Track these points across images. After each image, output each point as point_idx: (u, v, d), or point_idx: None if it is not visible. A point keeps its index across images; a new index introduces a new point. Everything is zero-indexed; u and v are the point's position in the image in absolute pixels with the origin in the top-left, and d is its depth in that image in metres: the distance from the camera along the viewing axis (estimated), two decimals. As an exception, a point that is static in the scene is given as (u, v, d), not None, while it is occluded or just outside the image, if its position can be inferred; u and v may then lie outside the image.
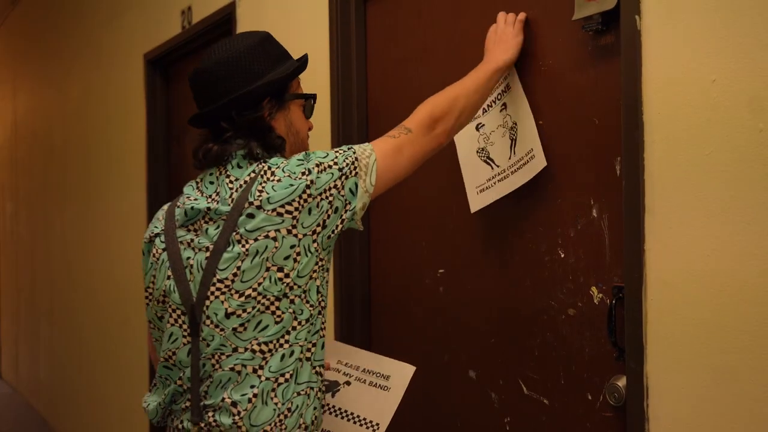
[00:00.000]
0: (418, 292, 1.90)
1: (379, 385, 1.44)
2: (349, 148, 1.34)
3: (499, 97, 1.62)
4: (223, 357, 1.29)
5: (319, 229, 1.28)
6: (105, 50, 4.02)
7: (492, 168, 1.63)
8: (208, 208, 1.32)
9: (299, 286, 1.28)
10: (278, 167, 1.30)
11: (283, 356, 1.28)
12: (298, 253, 1.27)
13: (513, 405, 1.63)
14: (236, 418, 1.27)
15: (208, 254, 1.30)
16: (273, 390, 1.28)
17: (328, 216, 1.29)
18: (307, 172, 1.28)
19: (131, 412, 3.66)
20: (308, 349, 1.31)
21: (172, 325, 1.34)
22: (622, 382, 1.35)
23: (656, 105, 1.26)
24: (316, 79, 2.13)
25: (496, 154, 1.62)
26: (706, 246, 1.19)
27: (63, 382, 4.93)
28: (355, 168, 1.31)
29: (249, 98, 1.35)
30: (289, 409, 1.29)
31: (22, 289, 6.05)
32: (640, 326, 1.28)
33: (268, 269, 1.26)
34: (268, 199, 1.26)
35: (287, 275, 1.27)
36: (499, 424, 1.66)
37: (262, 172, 1.30)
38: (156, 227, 1.41)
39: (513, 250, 1.63)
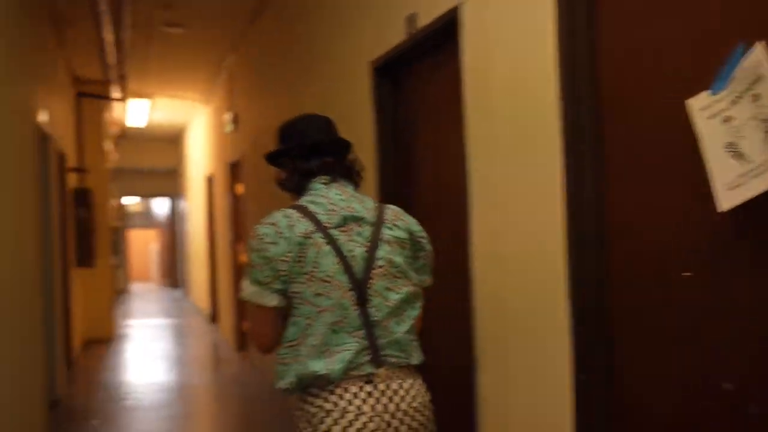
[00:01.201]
0: (664, 297, 1.81)
1: None
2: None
3: (749, 87, 1.50)
4: (391, 319, 1.90)
5: (413, 255, 2.02)
6: (334, 60, 4.27)
7: (744, 163, 1.51)
8: (360, 217, 1.93)
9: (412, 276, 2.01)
10: (402, 212, 2.07)
11: (417, 310, 1.99)
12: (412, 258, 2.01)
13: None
14: (403, 354, 1.91)
15: (364, 248, 1.90)
16: (413, 330, 1.97)
17: (416, 258, 2.03)
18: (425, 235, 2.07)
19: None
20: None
21: (341, 298, 1.86)
22: None
23: None
24: (538, 68, 2.10)
25: (749, 149, 1.50)
26: None
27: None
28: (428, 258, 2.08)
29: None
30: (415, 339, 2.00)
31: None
32: None
33: (406, 262, 1.97)
34: (408, 225, 2.01)
35: (413, 270, 2.01)
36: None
37: (390, 207, 2.04)
38: (305, 228, 1.88)
39: (771, 252, 1.49)
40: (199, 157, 11.81)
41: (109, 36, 6.19)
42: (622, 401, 1.98)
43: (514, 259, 2.38)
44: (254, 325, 1.99)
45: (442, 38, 2.88)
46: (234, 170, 8.46)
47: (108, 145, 10.30)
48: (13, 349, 3.96)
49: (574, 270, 2.05)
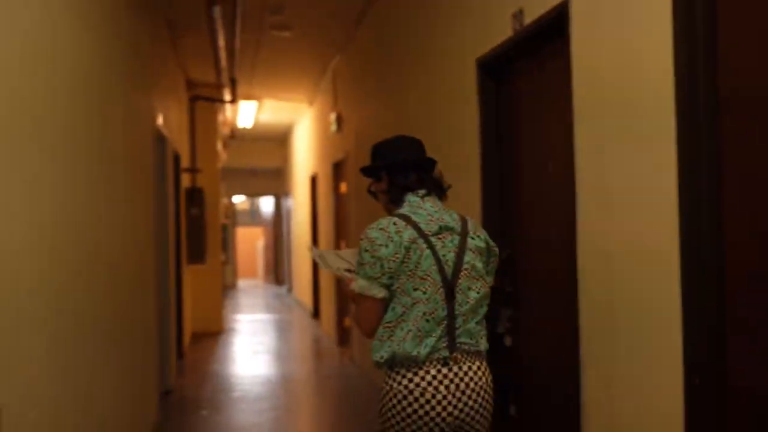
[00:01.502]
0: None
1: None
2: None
3: None
4: (470, 313, 2.29)
5: (487, 261, 2.41)
6: (438, 57, 4.28)
7: None
8: (451, 228, 2.30)
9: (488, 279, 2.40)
10: (478, 223, 2.46)
11: (486, 308, 2.37)
12: (486, 264, 2.40)
13: None
14: (473, 341, 2.29)
15: (454, 253, 2.28)
16: (483, 322, 2.35)
17: (488, 263, 2.41)
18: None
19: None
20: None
21: (434, 293, 2.23)
22: None
23: None
24: (652, 63, 2.04)
25: None
26: None
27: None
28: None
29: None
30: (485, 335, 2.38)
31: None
32: None
33: (483, 266, 2.36)
34: (486, 237, 2.40)
35: (486, 273, 2.38)
36: None
37: (470, 219, 2.41)
38: (410, 234, 2.24)
39: None
40: (304, 157, 12.10)
41: (221, 41, 6.44)
42: (736, 407, 1.89)
43: (623, 258, 2.32)
44: (362, 312, 2.31)
45: (549, 34, 2.84)
46: (338, 170, 8.63)
47: (218, 146, 10.71)
48: (134, 343, 4.19)
49: (688, 269, 1.98)
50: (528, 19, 2.93)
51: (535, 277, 3.19)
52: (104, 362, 3.29)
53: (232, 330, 10.58)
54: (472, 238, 2.32)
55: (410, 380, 2.21)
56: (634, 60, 2.24)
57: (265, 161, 16.78)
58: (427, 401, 2.20)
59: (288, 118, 12.69)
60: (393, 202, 2.39)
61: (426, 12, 4.55)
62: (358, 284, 2.26)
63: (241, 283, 20.67)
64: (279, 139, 15.55)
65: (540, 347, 3.15)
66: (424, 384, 2.20)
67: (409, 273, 2.22)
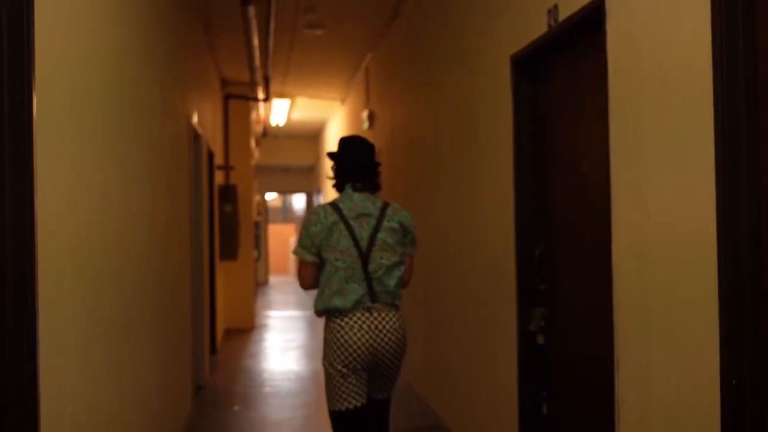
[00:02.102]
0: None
1: None
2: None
3: None
4: (385, 276, 3.13)
5: (403, 237, 3.24)
6: (472, 54, 4.27)
7: None
8: (369, 214, 3.15)
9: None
10: (399, 208, 3.27)
11: (401, 271, 3.21)
12: (402, 239, 3.23)
13: None
14: (390, 297, 3.16)
15: (368, 233, 3.12)
16: (399, 284, 3.21)
17: (405, 237, 3.25)
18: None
19: (500, 398, 3.84)
20: None
21: (353, 262, 3.08)
22: None
23: None
24: (690, 59, 2.02)
25: None
26: None
27: (437, 367, 5.36)
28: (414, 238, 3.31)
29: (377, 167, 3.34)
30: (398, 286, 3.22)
31: (399, 278, 6.71)
32: None
33: (396, 242, 3.18)
34: (400, 218, 3.21)
35: (401, 245, 3.22)
36: None
37: (392, 205, 3.25)
38: (334, 219, 3.10)
39: None
40: (336, 155, 12.13)
41: (255, 40, 6.50)
42: (778, 409, 1.86)
43: (659, 257, 2.29)
44: (300, 271, 3.22)
45: (584, 29, 2.82)
46: (369, 168, 8.63)
47: (251, 144, 10.79)
48: (171, 339, 4.25)
49: (726, 269, 1.95)
50: (563, 15, 2.91)
51: (568, 275, 3.17)
52: (146, 355, 3.35)
53: (263, 326, 10.66)
54: (388, 221, 3.16)
55: (342, 321, 3.08)
56: (671, 55, 2.21)
57: (297, 158, 16.89)
58: (354, 333, 3.06)
59: (320, 115, 12.75)
60: (335, 187, 3.28)
61: (459, 8, 4.54)
62: (296, 250, 3.17)
63: (273, 279, 20.81)
64: (311, 137, 15.63)
65: (573, 345, 3.13)
66: (351, 323, 3.06)
67: (331, 247, 3.09)
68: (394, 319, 3.13)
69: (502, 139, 3.70)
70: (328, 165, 11.38)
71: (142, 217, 3.28)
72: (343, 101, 10.71)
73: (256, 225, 14.46)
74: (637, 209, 2.43)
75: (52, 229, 1.95)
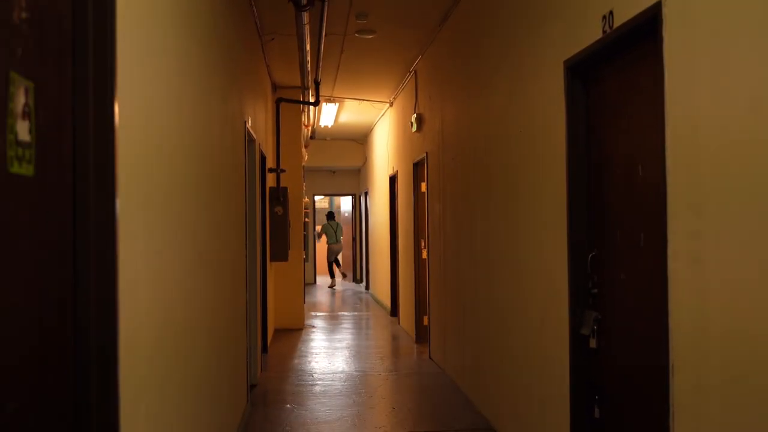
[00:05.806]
0: None
1: None
2: None
3: None
4: None
5: None
6: (525, 59, 4.29)
7: None
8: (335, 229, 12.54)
9: None
10: None
11: None
12: None
13: None
14: None
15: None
16: None
17: None
18: None
19: (551, 401, 3.85)
20: None
21: None
22: None
23: None
24: (752, 63, 2.02)
25: None
26: None
27: (485, 368, 5.39)
28: None
29: None
30: None
31: (448, 283, 6.75)
32: None
33: None
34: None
35: None
36: None
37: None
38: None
39: None
40: (383, 157, 12.22)
41: (308, 45, 6.60)
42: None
43: (716, 264, 2.29)
44: None
45: (640, 35, 2.83)
46: (417, 169, 8.69)
47: (301, 147, 10.94)
48: (230, 340, 4.37)
49: (786, 275, 1.95)
50: (618, 21, 2.93)
51: (621, 280, 3.18)
52: (213, 354, 3.46)
53: (312, 326, 10.80)
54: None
55: None
56: (732, 63, 2.22)
57: (344, 161, 17.01)
58: None
59: (368, 118, 12.85)
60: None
61: (510, 13, 4.56)
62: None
63: (320, 280, 21.01)
64: (358, 139, 15.73)
65: (626, 350, 3.13)
66: None
67: None
68: None
69: (555, 140, 3.72)
70: (375, 166, 11.89)
71: (210, 227, 3.37)
72: (391, 104, 10.78)
73: (304, 226, 14.64)
74: (693, 215, 2.43)
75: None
